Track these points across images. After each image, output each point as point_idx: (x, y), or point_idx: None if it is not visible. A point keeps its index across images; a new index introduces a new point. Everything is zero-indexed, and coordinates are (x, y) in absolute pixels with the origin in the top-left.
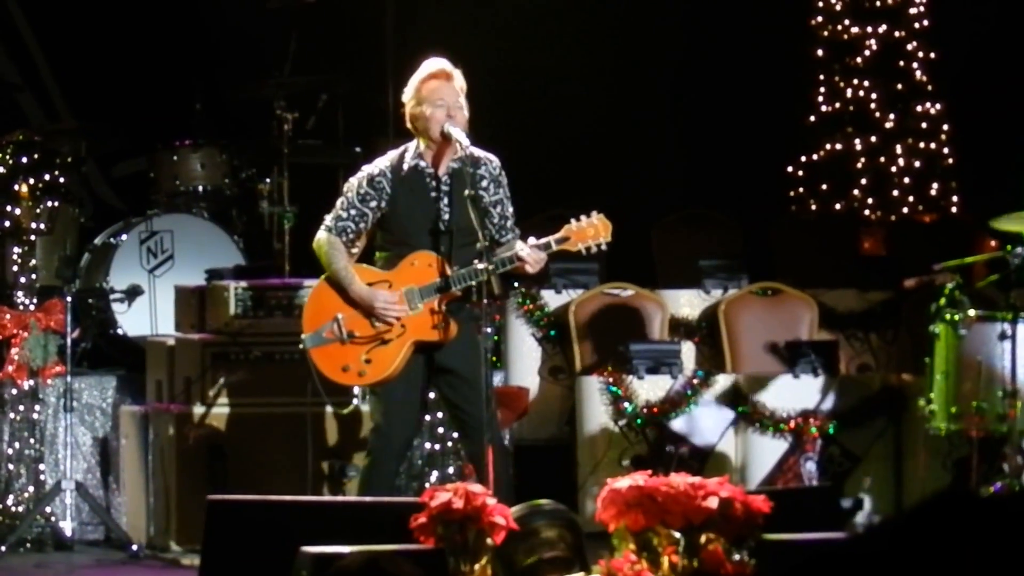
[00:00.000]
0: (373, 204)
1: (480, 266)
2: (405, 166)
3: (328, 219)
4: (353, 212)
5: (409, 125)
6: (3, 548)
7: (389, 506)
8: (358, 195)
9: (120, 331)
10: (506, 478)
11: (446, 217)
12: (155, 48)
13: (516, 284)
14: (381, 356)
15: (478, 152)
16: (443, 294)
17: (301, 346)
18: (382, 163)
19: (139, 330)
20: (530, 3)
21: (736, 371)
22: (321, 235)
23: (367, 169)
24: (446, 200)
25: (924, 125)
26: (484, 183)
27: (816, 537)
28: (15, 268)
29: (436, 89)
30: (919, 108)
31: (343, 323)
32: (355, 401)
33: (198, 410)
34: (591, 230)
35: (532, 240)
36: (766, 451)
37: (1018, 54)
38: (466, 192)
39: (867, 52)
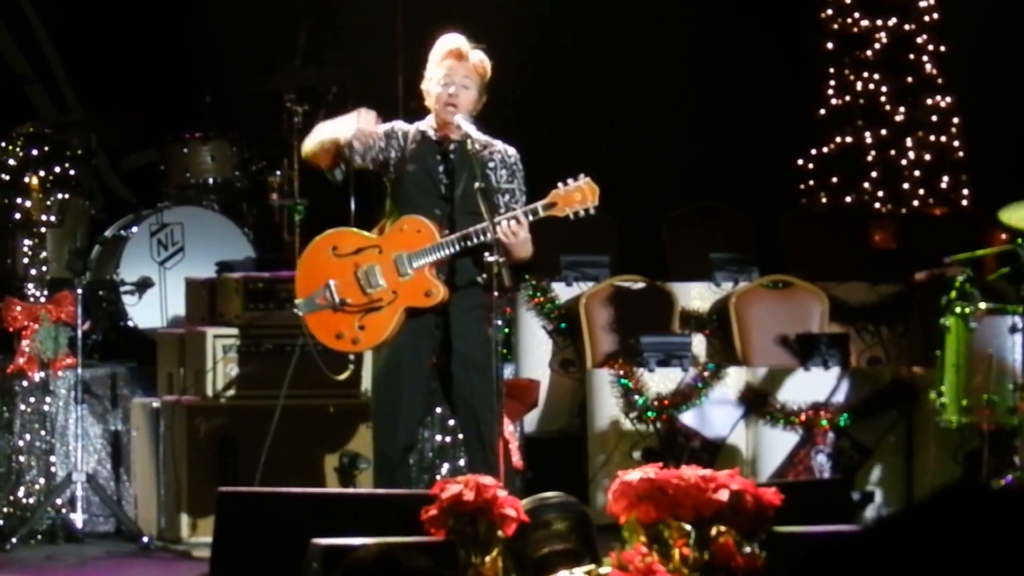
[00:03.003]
0: (381, 144)
1: (491, 258)
2: (416, 131)
3: None
4: (364, 134)
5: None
6: (14, 540)
7: (400, 498)
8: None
9: (131, 323)
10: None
11: (447, 183)
12: (165, 40)
13: (527, 276)
14: (374, 323)
15: (495, 141)
16: (433, 259)
17: (295, 311)
18: (403, 124)
19: (150, 322)
20: None
21: (747, 364)
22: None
23: (393, 121)
24: (449, 167)
25: (934, 118)
26: (492, 165)
27: (827, 530)
28: (26, 260)
29: (444, 67)
30: (929, 101)
31: (335, 290)
32: (351, 367)
33: (209, 402)
34: (578, 194)
35: (517, 210)
36: (777, 444)
37: None
38: (476, 185)
39: (877, 45)
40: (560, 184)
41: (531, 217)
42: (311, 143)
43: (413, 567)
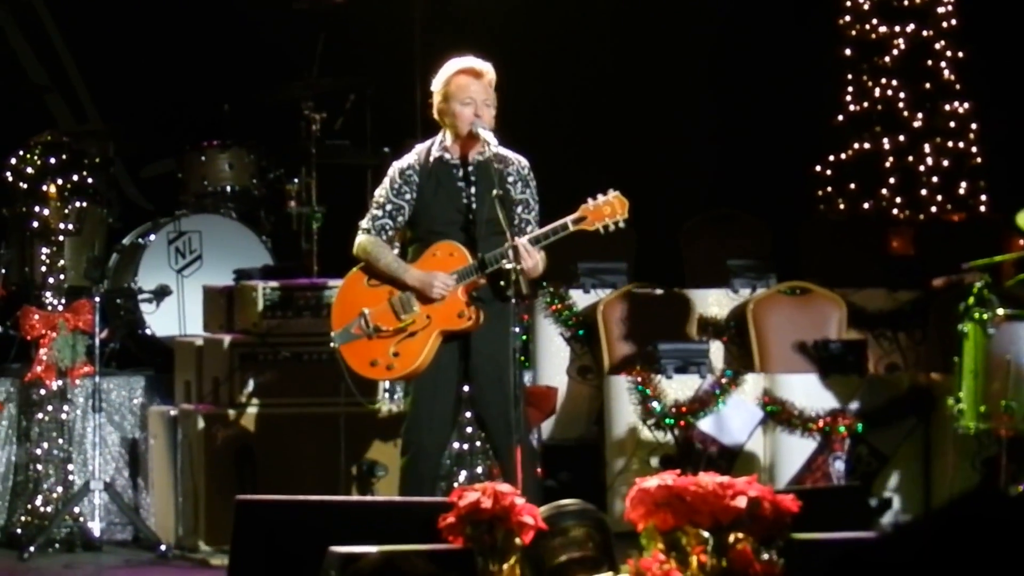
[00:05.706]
0: (408, 196)
1: (508, 265)
2: (431, 158)
3: (363, 222)
4: (389, 207)
5: (436, 117)
6: (32, 548)
7: (417, 506)
8: (392, 190)
9: (148, 331)
10: (532, 479)
11: (472, 207)
12: (183, 49)
13: (544, 284)
14: (409, 349)
15: (507, 152)
16: (466, 282)
17: (332, 344)
18: (410, 157)
19: (167, 330)
20: (559, 4)
21: (764, 370)
22: (360, 238)
23: (396, 165)
24: (472, 190)
25: (952, 124)
26: (511, 179)
27: (845, 537)
28: (43, 269)
29: (465, 86)
30: (947, 107)
31: (369, 318)
32: (387, 396)
33: (226, 410)
34: (607, 208)
35: (542, 229)
36: (794, 450)
37: None
38: (494, 192)
39: (895, 51)
40: (589, 199)
41: (561, 232)
42: (377, 261)
43: (414, 572)
